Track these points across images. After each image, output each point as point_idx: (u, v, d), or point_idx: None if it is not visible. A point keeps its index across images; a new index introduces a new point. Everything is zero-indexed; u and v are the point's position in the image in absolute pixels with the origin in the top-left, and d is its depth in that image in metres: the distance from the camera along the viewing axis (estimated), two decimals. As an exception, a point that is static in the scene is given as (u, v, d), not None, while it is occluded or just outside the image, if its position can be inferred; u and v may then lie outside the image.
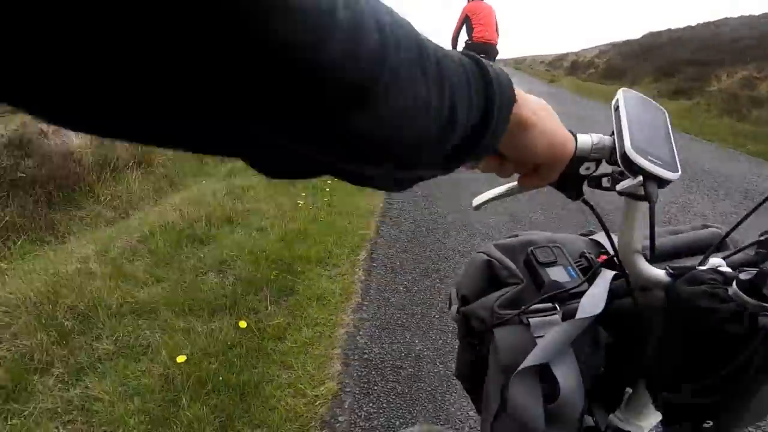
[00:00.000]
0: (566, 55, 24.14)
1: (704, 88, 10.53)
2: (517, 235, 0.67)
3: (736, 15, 16.27)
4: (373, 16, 0.20)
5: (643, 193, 0.43)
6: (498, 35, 5.51)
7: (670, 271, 0.48)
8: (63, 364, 1.65)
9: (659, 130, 0.46)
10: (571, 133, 0.44)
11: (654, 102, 0.49)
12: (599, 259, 0.60)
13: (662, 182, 0.43)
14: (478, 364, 0.60)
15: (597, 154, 0.46)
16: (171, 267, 2.31)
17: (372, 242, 2.71)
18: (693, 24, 17.11)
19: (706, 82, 11.02)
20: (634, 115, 0.45)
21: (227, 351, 1.72)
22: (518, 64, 30.89)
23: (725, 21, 16.09)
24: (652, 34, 17.94)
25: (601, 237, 0.65)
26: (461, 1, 5.51)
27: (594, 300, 0.50)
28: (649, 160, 0.42)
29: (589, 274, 0.56)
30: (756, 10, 16.15)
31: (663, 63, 14.18)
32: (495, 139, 0.31)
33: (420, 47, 0.23)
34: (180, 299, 2.00)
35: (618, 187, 0.45)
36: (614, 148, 0.45)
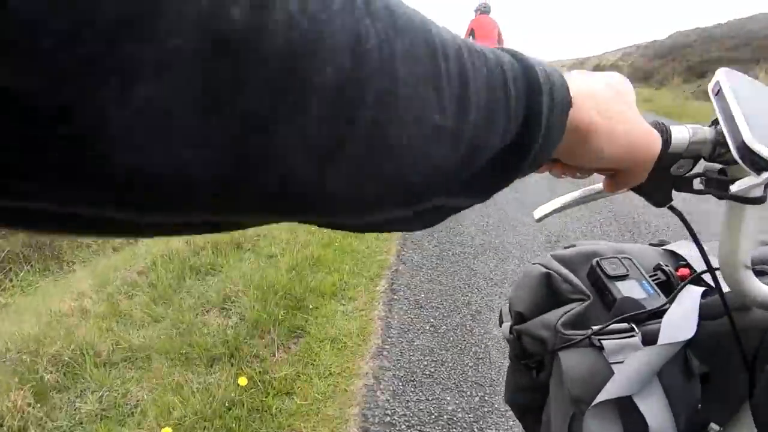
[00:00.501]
0: (588, 59, 23.59)
1: None
2: (575, 245, 0.59)
3: (766, 10, 15.44)
4: (349, 24, 0.15)
5: (761, 194, 0.37)
6: (500, 44, 5.85)
7: None
8: (39, 430, 1.43)
9: None
10: (661, 126, 0.36)
11: (763, 84, 0.40)
12: (678, 273, 0.54)
13: None
14: (537, 390, 0.55)
15: (694, 150, 0.38)
16: (171, 304, 2.08)
17: (392, 270, 2.43)
18: (723, 21, 16.34)
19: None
20: (745, 100, 0.36)
21: (225, 413, 1.46)
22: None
23: (756, 17, 15.29)
24: (680, 34, 17.25)
25: (676, 247, 0.59)
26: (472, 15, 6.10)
27: (682, 321, 0.45)
28: None
29: (677, 291, 0.48)
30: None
31: (692, 63, 13.54)
32: (543, 155, 0.25)
33: (433, 54, 0.18)
34: (177, 344, 1.76)
35: (735, 188, 0.36)
36: (719, 141, 0.37)
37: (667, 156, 0.37)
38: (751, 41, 13.28)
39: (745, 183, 0.35)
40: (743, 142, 0.34)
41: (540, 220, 0.48)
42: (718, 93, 0.37)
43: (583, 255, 0.56)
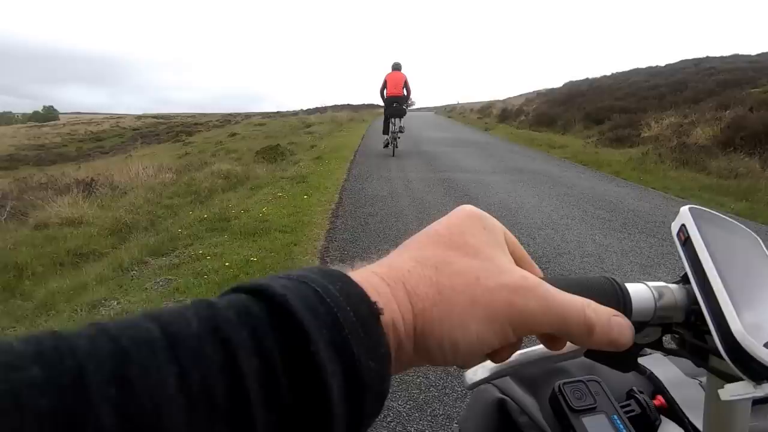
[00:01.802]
0: (494, 102, 24.80)
1: (638, 134, 10.50)
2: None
3: (643, 66, 17.40)
4: None
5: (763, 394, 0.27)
6: (406, 91, 8.14)
7: None
8: None
9: (761, 273, 0.32)
10: (612, 281, 0.29)
11: (735, 222, 0.34)
12: (655, 402, 0.47)
13: None
14: None
15: (663, 318, 0.30)
16: None
17: None
18: (608, 73, 18.09)
19: (636, 128, 11.12)
20: (721, 255, 0.29)
21: None
22: (449, 111, 31.63)
23: (636, 71, 17.15)
24: (572, 83, 18.85)
25: (652, 363, 0.51)
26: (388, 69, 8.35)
27: None
28: None
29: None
30: (660, 62, 17.39)
31: (590, 110, 14.55)
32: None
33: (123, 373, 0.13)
34: None
35: (726, 394, 0.27)
36: (693, 310, 0.30)
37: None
38: (636, 91, 14.73)
39: (739, 390, 0.27)
40: (731, 336, 0.26)
41: (472, 387, 0.41)
42: (686, 242, 0.30)
43: (546, 373, 0.49)
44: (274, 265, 2.87)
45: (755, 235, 0.34)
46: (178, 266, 2.96)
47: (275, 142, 12.91)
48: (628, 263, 3.01)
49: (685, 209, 0.31)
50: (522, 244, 0.27)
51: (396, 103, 8.00)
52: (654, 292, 0.30)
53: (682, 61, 16.29)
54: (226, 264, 2.83)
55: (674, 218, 0.32)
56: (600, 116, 13.71)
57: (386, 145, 8.25)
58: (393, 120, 8.05)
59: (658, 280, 0.31)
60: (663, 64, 16.77)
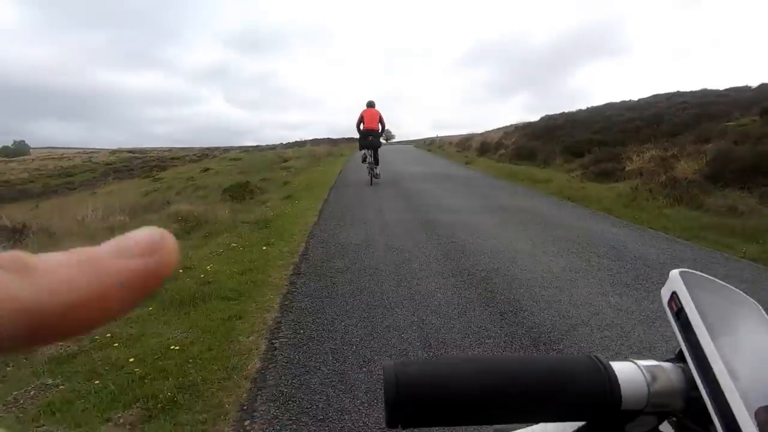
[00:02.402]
0: (473, 136, 24.85)
1: (623, 168, 10.26)
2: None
3: (617, 100, 17.65)
4: None
5: None
6: (380, 126, 8.76)
7: None
8: None
9: (766, 348, 0.28)
10: (596, 359, 0.26)
11: (732, 287, 0.31)
12: None
13: None
14: None
15: (658, 405, 0.26)
16: None
17: None
18: (583, 108, 18.26)
19: (619, 162, 10.91)
20: (720, 329, 0.26)
21: None
22: (428, 145, 31.67)
23: (610, 105, 17.35)
24: (549, 117, 18.97)
25: None
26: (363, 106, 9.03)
27: None
28: None
29: None
30: (633, 96, 17.67)
31: (568, 143, 14.46)
32: None
33: None
34: None
35: None
36: (692, 395, 0.26)
37: (615, 412, 0.25)
38: (612, 125, 14.77)
39: None
40: (736, 423, 0.23)
41: None
42: (679, 314, 0.28)
43: None
44: (203, 356, 2.13)
45: (755, 303, 0.31)
46: (74, 357, 2.19)
47: (248, 178, 12.24)
48: (658, 337, 2.39)
49: (675, 274, 0.29)
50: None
51: (371, 136, 8.69)
52: (646, 373, 0.26)
53: (654, 96, 16.57)
54: (131, 359, 2.07)
55: (665, 282, 0.29)
56: (579, 149, 13.58)
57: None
58: (369, 151, 8.82)
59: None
60: (636, 99, 17.02)
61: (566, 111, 18.94)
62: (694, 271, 0.30)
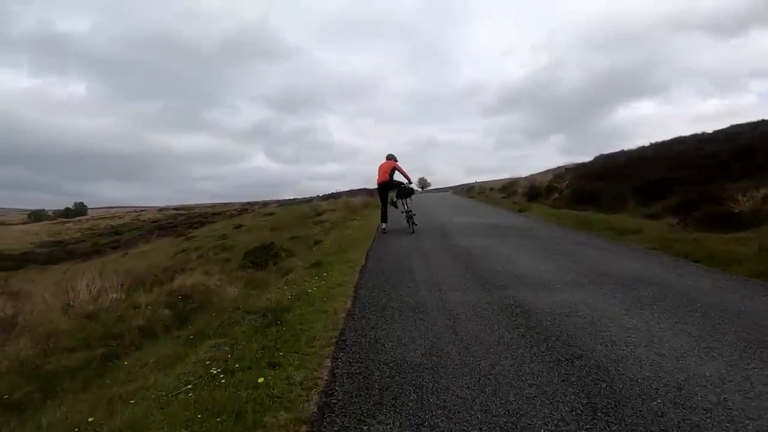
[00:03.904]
0: (517, 180, 23.03)
1: (739, 211, 8.08)
2: None
3: (687, 134, 15.47)
4: None
5: None
6: (391, 176, 8.92)
7: None
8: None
9: None
10: None
11: None
12: None
13: None
14: None
15: None
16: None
17: None
18: (646, 144, 16.16)
19: (719, 203, 8.78)
20: None
21: None
22: (467, 191, 29.97)
23: (680, 139, 15.20)
24: (605, 156, 17.01)
25: None
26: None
27: None
28: None
29: None
30: (707, 129, 15.46)
31: (639, 184, 12.40)
32: None
33: None
34: None
35: None
36: None
37: None
38: (688, 161, 12.61)
39: None
40: None
41: None
42: None
43: None
44: None
45: None
46: None
47: (278, 236, 10.93)
48: None
49: None
50: None
51: (381, 187, 8.99)
52: None
53: (733, 126, 14.33)
54: None
55: None
56: (656, 190, 11.51)
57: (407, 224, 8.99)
58: (400, 201, 9.04)
59: None
60: (711, 131, 14.80)
61: (624, 149, 16.90)
62: None
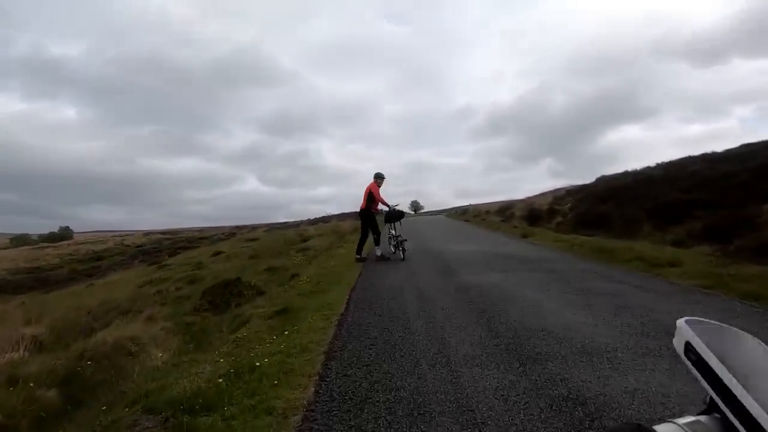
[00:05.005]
0: (514, 203, 21.96)
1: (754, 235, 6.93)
2: None
3: (696, 153, 14.53)
4: None
5: None
6: (366, 201, 8.00)
7: None
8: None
9: None
10: (639, 426, 0.27)
11: (733, 328, 0.32)
12: None
13: None
14: None
15: None
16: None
17: None
18: (652, 164, 15.17)
19: (754, 227, 7.65)
20: (742, 371, 0.26)
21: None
22: (461, 214, 28.80)
23: (689, 159, 14.24)
24: (607, 177, 16.03)
25: None
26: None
27: None
28: None
29: None
30: (717, 148, 14.54)
31: (649, 207, 11.33)
32: None
33: None
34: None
35: None
36: None
37: None
38: (703, 181, 11.58)
39: None
40: None
41: None
42: (698, 362, 0.28)
43: None
44: None
45: (753, 337, 0.30)
46: None
47: (253, 267, 9.54)
48: None
49: (683, 323, 0.30)
50: None
51: (362, 215, 8.18)
52: (687, 431, 0.27)
53: (745, 145, 13.43)
54: None
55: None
56: (672, 213, 10.41)
57: (394, 252, 8.14)
58: (388, 226, 8.48)
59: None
60: (721, 150, 13.87)
61: (628, 169, 15.91)
62: (699, 319, 0.30)
